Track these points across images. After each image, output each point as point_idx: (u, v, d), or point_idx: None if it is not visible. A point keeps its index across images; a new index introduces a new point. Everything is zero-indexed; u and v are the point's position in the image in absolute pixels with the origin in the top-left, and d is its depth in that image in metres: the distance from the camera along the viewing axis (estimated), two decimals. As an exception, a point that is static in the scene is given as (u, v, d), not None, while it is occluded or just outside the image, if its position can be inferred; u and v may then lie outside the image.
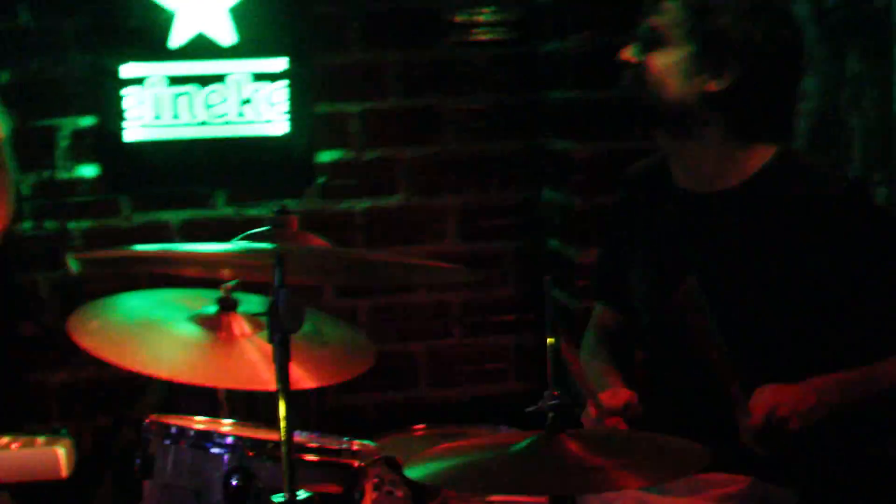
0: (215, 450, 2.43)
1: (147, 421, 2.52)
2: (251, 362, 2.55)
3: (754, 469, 2.62)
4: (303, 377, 2.49)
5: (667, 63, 2.71)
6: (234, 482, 2.36)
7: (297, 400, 3.96)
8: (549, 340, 2.22)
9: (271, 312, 2.16)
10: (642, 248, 2.90)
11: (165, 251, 2.56)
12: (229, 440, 2.44)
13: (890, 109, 3.21)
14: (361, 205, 4.47)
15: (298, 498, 2.19)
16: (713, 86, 2.68)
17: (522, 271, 4.51)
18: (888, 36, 3.19)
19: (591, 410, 2.71)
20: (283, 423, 2.18)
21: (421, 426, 3.20)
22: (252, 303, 2.63)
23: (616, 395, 2.76)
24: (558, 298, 4.31)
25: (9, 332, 4.26)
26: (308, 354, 2.52)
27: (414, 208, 4.49)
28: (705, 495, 2.62)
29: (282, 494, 2.17)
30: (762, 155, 2.73)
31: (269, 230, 2.25)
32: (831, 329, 2.64)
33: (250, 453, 2.40)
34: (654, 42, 2.73)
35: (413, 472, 2.15)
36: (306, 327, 2.51)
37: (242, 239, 2.25)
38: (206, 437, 2.46)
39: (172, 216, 4.37)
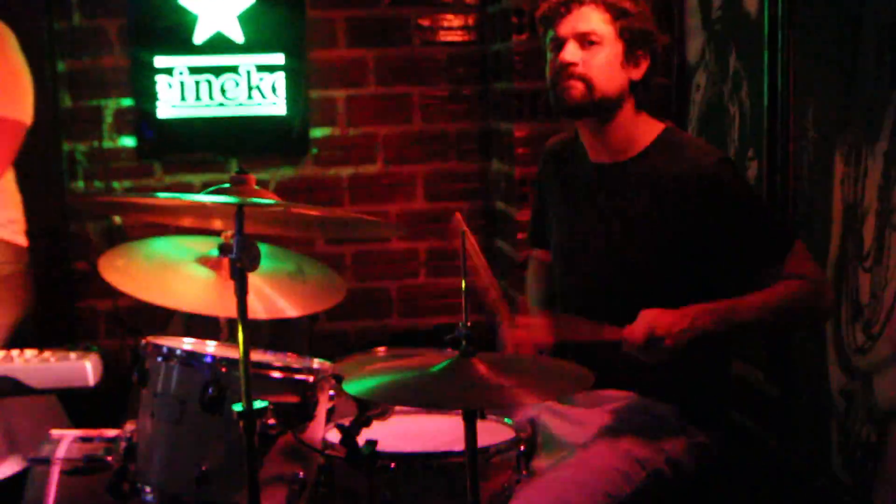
0: (196, 365, 2.30)
1: (143, 341, 2.37)
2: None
3: (636, 386, 2.54)
4: (287, 306, 2.38)
5: (604, 60, 2.55)
6: (210, 391, 2.23)
7: (297, 325, 3.89)
8: (463, 284, 2.09)
9: (231, 253, 2.02)
10: (558, 204, 2.78)
11: (151, 199, 2.40)
12: (208, 359, 2.29)
13: (762, 99, 3.07)
14: (347, 171, 4.36)
15: (255, 407, 2.02)
16: (635, 75, 2.57)
17: (475, 226, 4.37)
18: (760, 40, 3.05)
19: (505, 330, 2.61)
20: (241, 343, 2.03)
21: (382, 348, 3.08)
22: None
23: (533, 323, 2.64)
24: (502, 248, 4.21)
25: (66, 268, 4.19)
26: (292, 289, 2.42)
27: (389, 174, 4.38)
28: (601, 408, 2.55)
29: (240, 403, 2.02)
30: (653, 130, 2.61)
31: (231, 187, 2.08)
32: (702, 270, 2.53)
33: (224, 369, 2.25)
34: (590, 44, 2.56)
35: (350, 388, 1.99)
36: (291, 267, 2.46)
37: (210, 192, 2.08)
38: (190, 356, 2.33)
39: (195, 178, 4.28)
